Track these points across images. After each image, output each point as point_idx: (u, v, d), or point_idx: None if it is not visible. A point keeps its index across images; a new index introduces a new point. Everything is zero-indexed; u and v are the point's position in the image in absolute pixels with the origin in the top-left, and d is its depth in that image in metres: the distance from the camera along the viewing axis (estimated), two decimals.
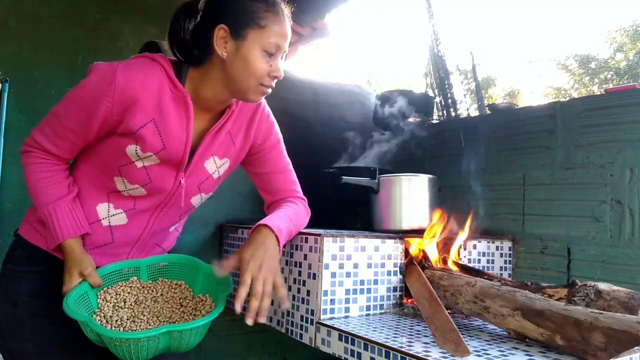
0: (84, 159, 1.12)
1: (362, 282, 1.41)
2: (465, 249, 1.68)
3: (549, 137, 1.80)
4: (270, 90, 1.09)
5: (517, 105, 2.10)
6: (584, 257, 1.67)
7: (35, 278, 1.12)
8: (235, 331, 2.05)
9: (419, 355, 1.00)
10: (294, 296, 1.41)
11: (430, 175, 1.75)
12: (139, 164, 1.07)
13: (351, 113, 2.55)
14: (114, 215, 1.12)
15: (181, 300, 1.15)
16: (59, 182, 1.08)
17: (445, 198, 1.95)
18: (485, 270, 1.68)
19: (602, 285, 1.22)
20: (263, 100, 1.23)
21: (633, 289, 1.22)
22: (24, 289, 1.11)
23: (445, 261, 1.59)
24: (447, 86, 3.11)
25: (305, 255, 1.38)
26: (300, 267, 1.40)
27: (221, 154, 1.18)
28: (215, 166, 1.18)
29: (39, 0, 2.22)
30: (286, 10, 1.08)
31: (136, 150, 1.05)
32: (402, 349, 1.04)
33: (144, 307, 1.10)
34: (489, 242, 1.80)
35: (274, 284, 1.07)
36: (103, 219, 1.12)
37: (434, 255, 1.60)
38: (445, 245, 1.65)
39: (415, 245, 1.61)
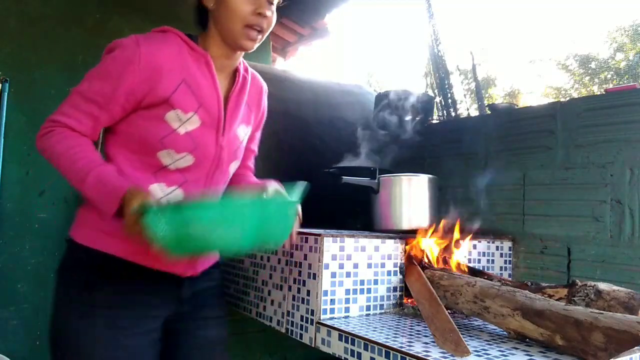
0: (117, 149, 1.08)
1: (362, 282, 1.41)
2: (458, 249, 1.68)
3: (549, 137, 1.80)
4: (259, 36, 1.08)
5: (517, 105, 2.10)
6: (584, 257, 1.67)
7: (108, 287, 1.05)
8: (235, 331, 2.05)
9: (419, 355, 1.01)
10: (294, 296, 1.41)
11: (430, 175, 1.76)
12: (182, 130, 1.05)
13: (351, 113, 2.55)
14: (169, 193, 1.08)
15: None
16: (92, 152, 1.02)
17: (446, 198, 1.95)
18: (485, 270, 1.68)
19: (602, 285, 1.23)
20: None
21: (633, 289, 1.22)
22: (98, 301, 1.04)
23: (445, 261, 1.59)
24: (447, 86, 3.11)
25: (305, 255, 1.38)
26: (300, 267, 1.40)
27: (246, 122, 1.23)
28: (244, 132, 1.22)
29: (39, 0, 2.22)
30: None
31: (177, 114, 1.04)
32: (402, 349, 1.04)
33: None
34: (489, 242, 1.80)
35: None
36: (161, 198, 1.07)
37: (433, 256, 1.60)
38: (445, 245, 1.64)
39: (415, 245, 1.61)
